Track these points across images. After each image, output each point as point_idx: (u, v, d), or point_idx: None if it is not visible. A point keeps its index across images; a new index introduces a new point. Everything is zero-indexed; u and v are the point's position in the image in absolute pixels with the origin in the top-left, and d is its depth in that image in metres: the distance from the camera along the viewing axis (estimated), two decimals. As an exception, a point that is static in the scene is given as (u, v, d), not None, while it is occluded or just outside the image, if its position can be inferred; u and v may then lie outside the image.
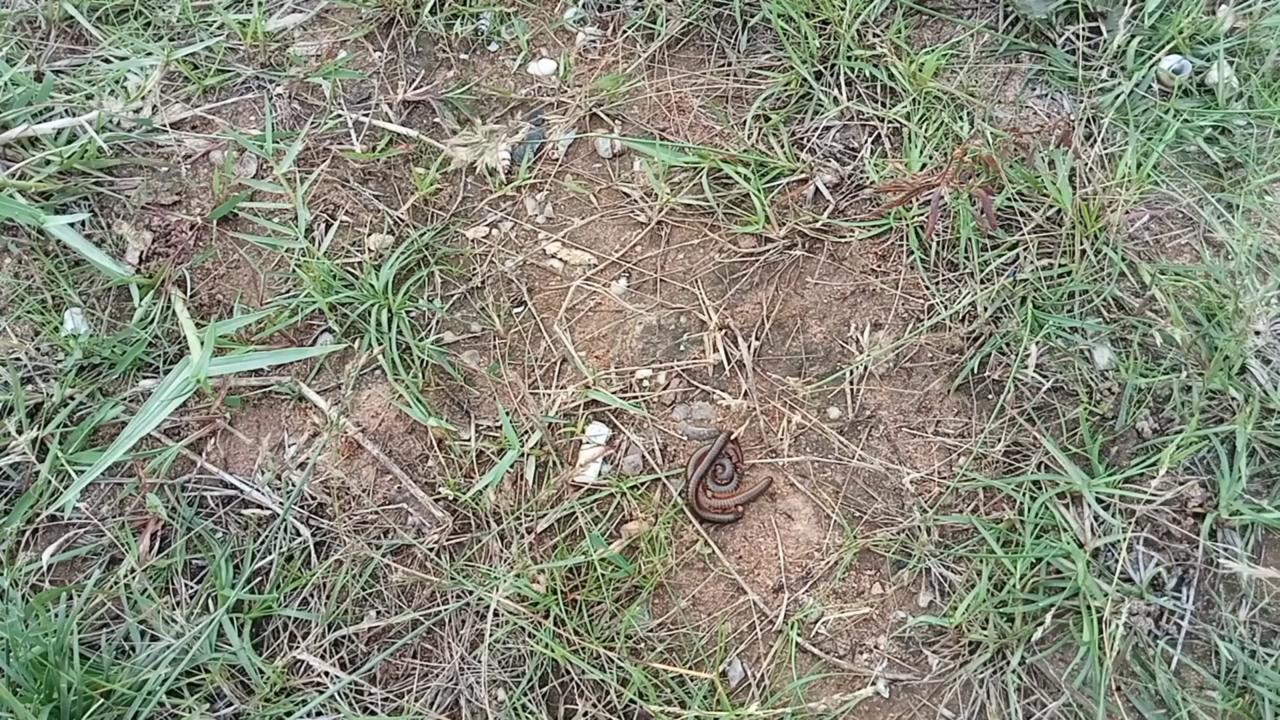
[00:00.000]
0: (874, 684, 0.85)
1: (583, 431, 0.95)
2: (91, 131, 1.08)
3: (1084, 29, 1.07)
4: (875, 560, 0.90)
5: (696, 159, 1.05)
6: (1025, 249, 0.97)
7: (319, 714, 0.86)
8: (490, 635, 0.88)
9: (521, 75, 1.16)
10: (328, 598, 0.90)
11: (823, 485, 0.93)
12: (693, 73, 1.12)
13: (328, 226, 1.07)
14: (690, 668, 0.86)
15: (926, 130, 1.04)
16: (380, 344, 1.00)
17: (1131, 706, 0.82)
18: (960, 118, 1.04)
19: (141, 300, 1.04)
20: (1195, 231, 0.99)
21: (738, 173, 1.04)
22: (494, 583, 0.89)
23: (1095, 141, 1.02)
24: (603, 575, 0.88)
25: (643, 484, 0.93)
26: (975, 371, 0.94)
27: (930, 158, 1.02)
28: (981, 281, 0.96)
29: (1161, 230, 0.99)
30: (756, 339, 0.98)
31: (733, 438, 0.93)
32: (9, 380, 0.98)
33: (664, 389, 0.97)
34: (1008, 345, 0.94)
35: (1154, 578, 0.85)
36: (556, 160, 1.10)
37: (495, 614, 0.88)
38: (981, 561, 0.86)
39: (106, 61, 1.16)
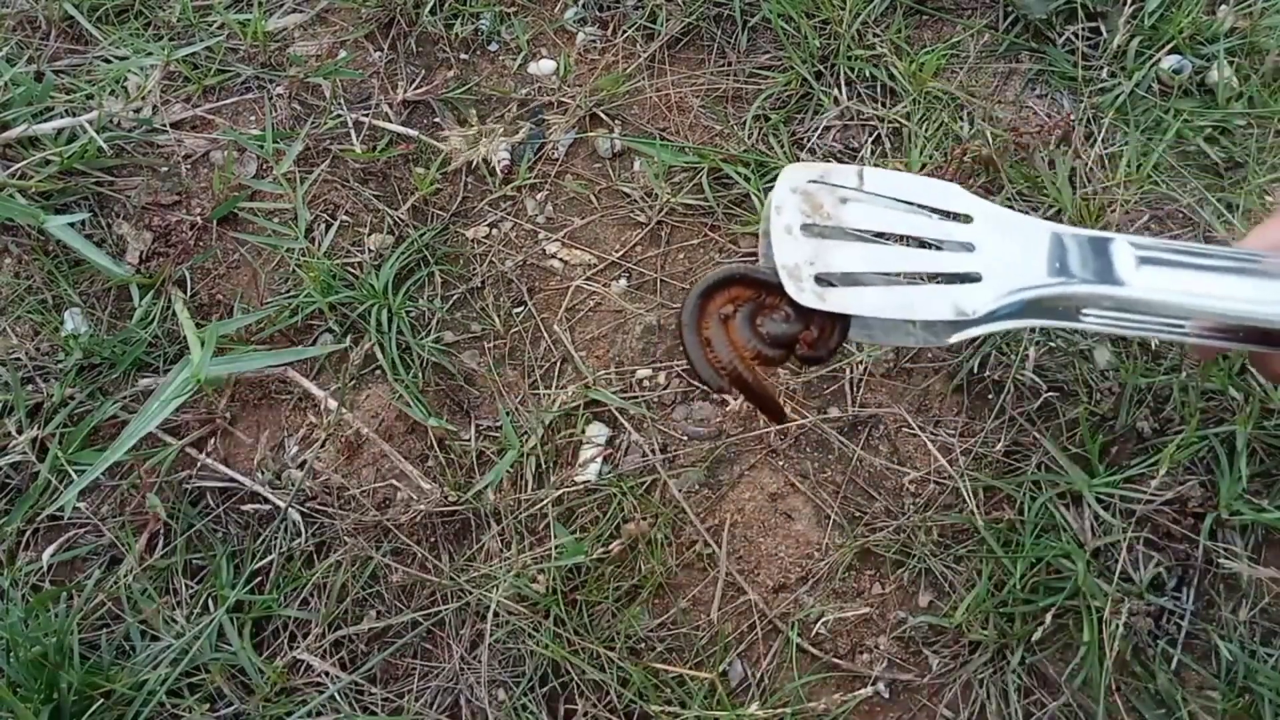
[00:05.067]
0: (874, 684, 0.86)
1: (583, 432, 0.96)
2: (91, 131, 1.08)
3: (1084, 29, 1.07)
4: (875, 560, 0.90)
5: (696, 159, 1.05)
6: (1025, 249, 0.97)
7: (319, 714, 0.86)
8: (490, 635, 0.88)
9: (521, 75, 1.16)
10: (328, 598, 0.91)
11: (823, 485, 0.93)
12: (693, 73, 1.12)
13: (328, 226, 1.07)
14: (690, 668, 0.86)
15: (926, 130, 1.04)
16: (380, 344, 1.00)
17: (1131, 706, 0.82)
18: (960, 118, 1.04)
19: (141, 300, 1.04)
20: (1195, 231, 0.99)
21: (738, 173, 1.04)
22: (494, 583, 0.89)
23: (1095, 141, 1.02)
24: (601, 575, 0.89)
25: (643, 484, 0.93)
26: (975, 372, 0.94)
27: (930, 158, 1.02)
28: (981, 281, 0.96)
29: (1161, 230, 0.99)
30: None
31: None
32: (9, 380, 0.98)
33: (664, 389, 0.97)
34: (1007, 345, 0.94)
35: (1154, 578, 0.85)
36: (556, 160, 1.10)
37: (495, 614, 0.88)
38: (981, 561, 0.86)
39: (106, 61, 1.16)
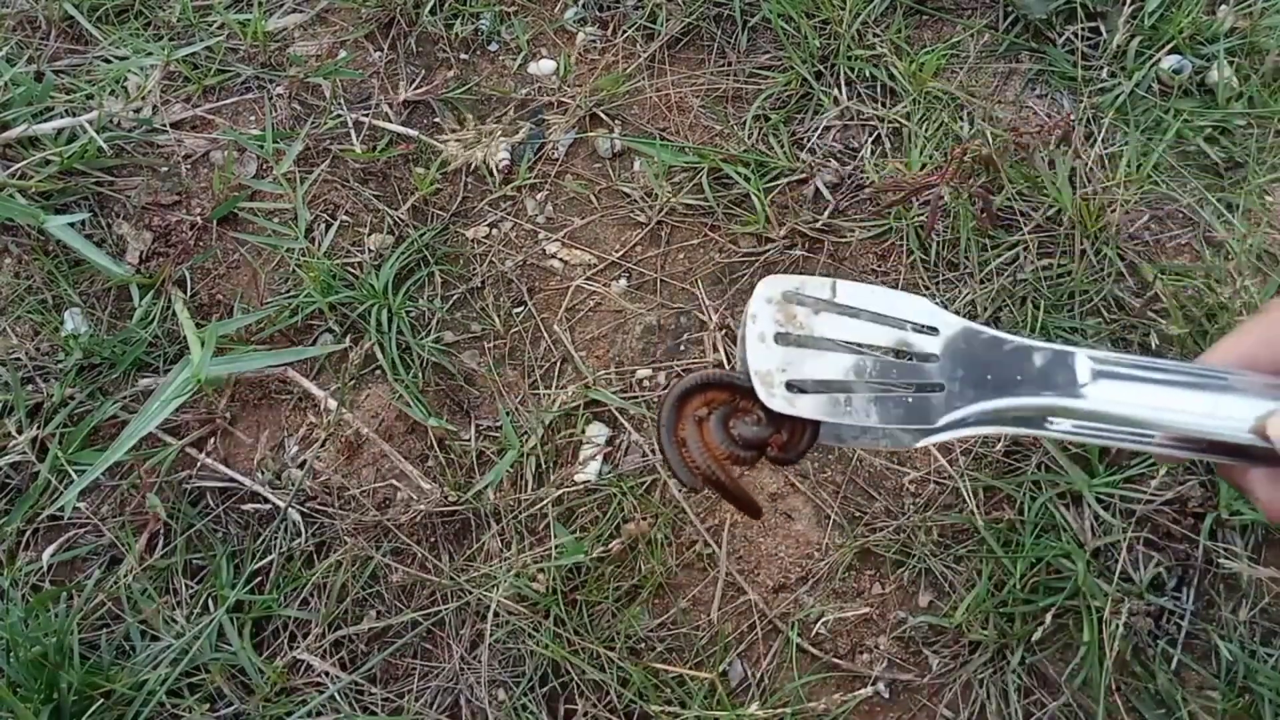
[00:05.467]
0: (874, 684, 0.86)
1: (583, 432, 0.96)
2: (91, 131, 1.08)
3: (1084, 29, 1.07)
4: (875, 560, 0.90)
5: (696, 159, 1.05)
6: (1025, 249, 0.97)
7: (319, 714, 0.86)
8: (490, 635, 0.88)
9: (521, 75, 1.16)
10: (328, 598, 0.91)
11: (823, 485, 0.93)
12: (693, 73, 1.12)
13: (328, 226, 1.07)
14: (690, 668, 0.86)
15: (926, 130, 1.04)
16: (381, 344, 1.00)
17: (1131, 706, 0.82)
18: (960, 118, 1.04)
19: (141, 300, 1.04)
20: (1195, 231, 0.99)
21: (738, 173, 1.04)
22: (494, 583, 0.89)
23: (1095, 141, 1.02)
24: (601, 575, 0.89)
25: (642, 484, 0.93)
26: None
27: (930, 158, 1.02)
28: (981, 281, 0.96)
29: (1161, 230, 0.99)
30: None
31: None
32: (9, 380, 0.98)
33: (664, 389, 0.97)
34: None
35: (1154, 578, 0.85)
36: (556, 160, 1.10)
37: (495, 614, 0.88)
38: (981, 561, 0.86)
39: (106, 61, 1.16)
